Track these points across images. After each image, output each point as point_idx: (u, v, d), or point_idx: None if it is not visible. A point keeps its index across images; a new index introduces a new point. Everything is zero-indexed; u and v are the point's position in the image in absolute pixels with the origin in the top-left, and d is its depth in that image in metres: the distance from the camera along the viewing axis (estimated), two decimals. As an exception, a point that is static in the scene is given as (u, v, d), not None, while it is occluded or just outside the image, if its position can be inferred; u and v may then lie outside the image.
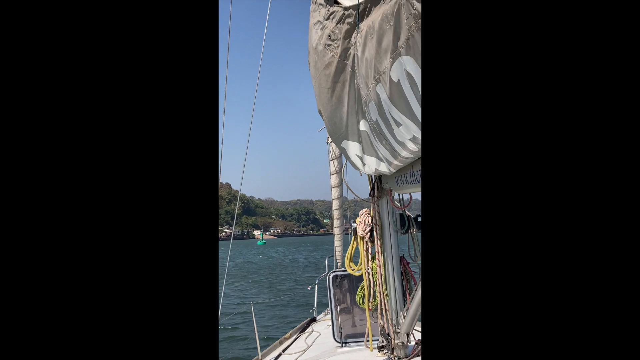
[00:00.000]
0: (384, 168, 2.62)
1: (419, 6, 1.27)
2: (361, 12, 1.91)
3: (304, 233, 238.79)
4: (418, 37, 1.33)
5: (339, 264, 6.87)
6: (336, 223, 6.78)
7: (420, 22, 1.29)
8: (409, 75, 1.49)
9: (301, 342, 5.21)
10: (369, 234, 3.72)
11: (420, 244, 3.70)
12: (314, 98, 2.86)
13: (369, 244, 3.76)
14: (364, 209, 3.85)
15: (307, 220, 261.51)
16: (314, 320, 6.23)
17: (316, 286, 7.00)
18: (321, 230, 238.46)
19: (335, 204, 6.71)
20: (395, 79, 1.59)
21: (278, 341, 5.45)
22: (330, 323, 4.85)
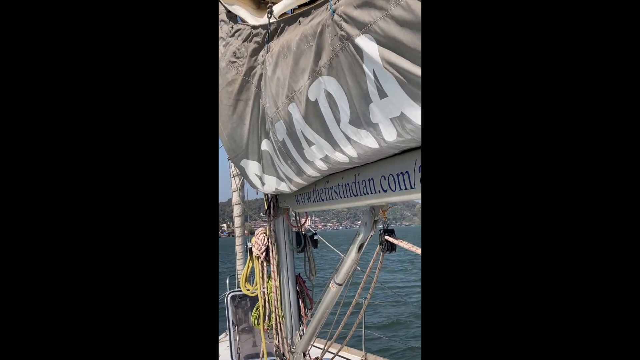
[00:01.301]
0: (284, 187, 2.61)
1: (347, 28, 1.28)
2: (272, 32, 1.91)
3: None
4: (343, 57, 1.35)
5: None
6: (238, 241, 6.64)
7: (347, 42, 1.30)
8: (328, 95, 1.51)
9: None
10: (264, 253, 3.68)
11: (315, 262, 3.73)
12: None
13: (265, 264, 3.71)
14: (260, 228, 3.81)
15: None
16: None
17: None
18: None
19: (237, 222, 6.60)
20: (312, 99, 1.60)
21: None
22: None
